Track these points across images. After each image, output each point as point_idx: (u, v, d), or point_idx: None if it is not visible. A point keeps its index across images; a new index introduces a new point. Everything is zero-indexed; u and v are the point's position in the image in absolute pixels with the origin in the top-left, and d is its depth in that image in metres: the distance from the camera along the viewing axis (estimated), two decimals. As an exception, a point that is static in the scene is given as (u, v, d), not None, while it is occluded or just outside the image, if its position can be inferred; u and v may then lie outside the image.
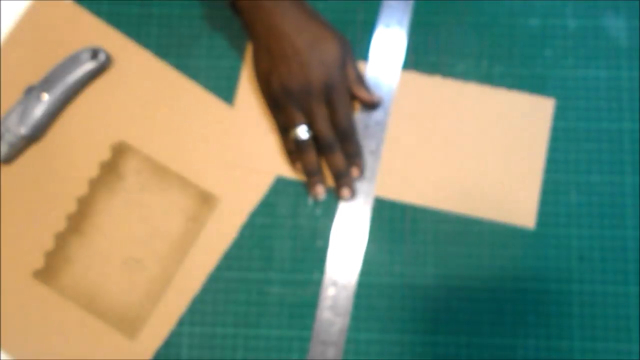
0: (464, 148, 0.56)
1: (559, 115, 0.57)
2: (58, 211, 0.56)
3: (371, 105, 0.56)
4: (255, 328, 0.55)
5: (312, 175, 0.55)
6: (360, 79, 0.55)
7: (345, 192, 0.55)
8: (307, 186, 0.56)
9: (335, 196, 0.56)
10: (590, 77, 0.57)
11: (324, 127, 0.54)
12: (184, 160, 0.57)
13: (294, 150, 0.55)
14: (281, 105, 0.54)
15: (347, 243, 0.55)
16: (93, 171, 0.57)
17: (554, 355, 0.53)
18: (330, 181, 0.56)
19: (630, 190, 0.55)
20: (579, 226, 0.55)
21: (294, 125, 0.54)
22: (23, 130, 0.55)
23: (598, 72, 0.57)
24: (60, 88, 0.56)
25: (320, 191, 0.55)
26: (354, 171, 0.55)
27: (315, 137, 0.54)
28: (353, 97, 0.55)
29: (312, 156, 0.55)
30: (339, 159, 0.55)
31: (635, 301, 0.54)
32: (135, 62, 0.59)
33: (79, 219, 0.56)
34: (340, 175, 0.55)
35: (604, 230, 0.55)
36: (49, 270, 0.56)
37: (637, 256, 0.54)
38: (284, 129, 0.55)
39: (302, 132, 0.54)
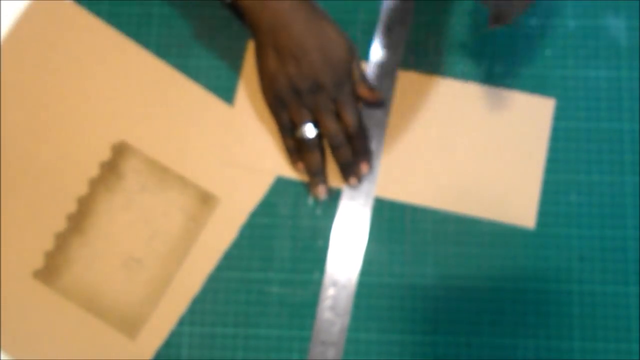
0: (464, 148, 0.56)
1: (559, 115, 0.57)
2: (58, 211, 0.56)
3: (374, 103, 0.56)
4: (255, 328, 0.55)
5: (314, 176, 0.55)
6: (364, 78, 0.56)
7: (352, 180, 0.55)
8: (309, 186, 0.56)
9: (336, 196, 0.56)
10: (590, 77, 0.57)
11: (333, 127, 0.54)
12: (184, 160, 0.57)
13: (294, 151, 0.55)
14: (287, 104, 0.54)
15: (347, 243, 0.55)
16: (93, 171, 0.57)
17: (554, 355, 0.53)
18: (331, 181, 0.56)
19: (630, 190, 0.55)
20: (579, 226, 0.55)
21: (301, 123, 0.54)
22: None
23: (598, 72, 0.57)
24: None
25: (322, 191, 0.55)
26: (363, 167, 0.55)
27: (323, 135, 0.55)
28: (357, 96, 0.56)
29: (316, 156, 0.55)
30: (346, 152, 0.55)
31: (635, 301, 0.54)
32: (135, 62, 0.59)
33: (79, 219, 0.56)
34: (347, 165, 0.55)
35: (604, 230, 0.55)
36: (49, 270, 0.56)
37: (637, 256, 0.54)
38: (287, 129, 0.55)
39: (310, 130, 0.54)
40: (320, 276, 0.55)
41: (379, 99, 0.56)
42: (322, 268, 0.55)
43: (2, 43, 0.59)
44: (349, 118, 0.54)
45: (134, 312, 0.55)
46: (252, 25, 0.55)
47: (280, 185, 0.57)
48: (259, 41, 0.55)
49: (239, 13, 0.57)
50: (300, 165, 0.56)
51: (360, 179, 0.55)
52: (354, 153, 0.55)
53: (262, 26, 0.53)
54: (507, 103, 0.57)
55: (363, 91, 0.55)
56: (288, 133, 0.55)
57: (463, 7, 0.58)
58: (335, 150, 0.55)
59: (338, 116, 0.54)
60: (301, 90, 0.53)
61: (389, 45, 0.58)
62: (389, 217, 0.56)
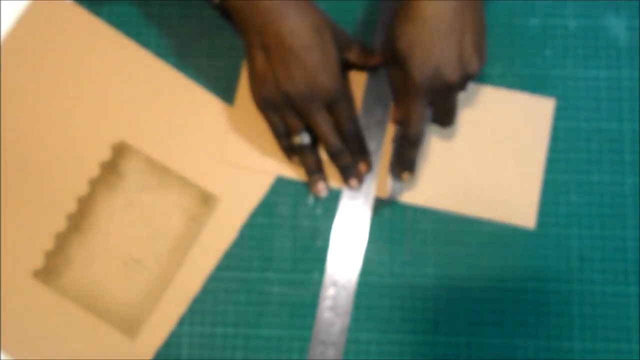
0: (464, 148, 0.56)
1: (559, 115, 0.57)
2: (58, 211, 0.56)
3: (373, 68, 0.55)
4: (255, 328, 0.55)
5: (313, 174, 0.55)
6: (356, 45, 0.55)
7: (353, 182, 0.55)
8: (309, 184, 0.56)
9: (335, 196, 0.56)
10: (590, 77, 0.57)
11: (331, 136, 0.53)
12: (184, 160, 0.57)
13: (289, 149, 0.55)
14: (279, 110, 0.53)
15: (347, 243, 0.55)
16: (93, 171, 0.57)
17: (554, 355, 0.53)
18: (331, 181, 0.56)
19: (630, 190, 0.55)
20: (579, 226, 0.55)
21: (295, 132, 0.53)
22: None
23: (598, 72, 0.57)
24: None
25: (322, 188, 0.55)
26: (362, 167, 0.55)
27: (320, 143, 0.54)
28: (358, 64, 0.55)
29: (312, 158, 0.55)
30: (345, 157, 0.54)
31: (635, 301, 0.54)
32: (135, 62, 0.59)
33: (79, 219, 0.56)
34: (346, 168, 0.55)
35: (604, 230, 0.55)
36: (49, 270, 0.56)
37: (637, 256, 0.54)
38: (279, 131, 0.54)
39: (304, 138, 0.53)
40: (320, 276, 0.55)
41: (375, 62, 0.55)
42: (322, 268, 0.55)
43: (2, 43, 0.59)
44: (344, 122, 0.53)
45: (134, 311, 0.55)
46: (239, 24, 0.52)
47: (280, 185, 0.57)
48: (247, 41, 0.52)
49: (226, 13, 0.56)
50: (297, 159, 0.55)
51: (361, 180, 0.55)
52: (352, 154, 0.55)
53: (250, 26, 0.51)
54: (507, 103, 0.57)
55: (359, 59, 0.54)
56: (280, 134, 0.54)
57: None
58: (333, 157, 0.54)
59: (332, 118, 0.53)
60: (293, 98, 0.51)
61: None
62: (389, 217, 0.56)
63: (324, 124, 0.53)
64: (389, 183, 0.55)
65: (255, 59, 0.52)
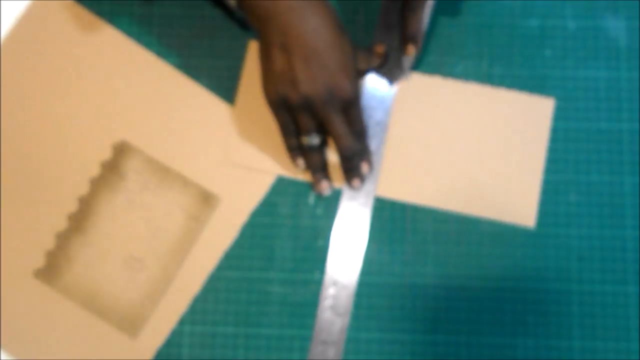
0: (464, 148, 0.56)
1: (559, 115, 0.57)
2: (59, 211, 0.56)
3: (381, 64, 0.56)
4: (256, 327, 0.55)
5: (317, 172, 0.55)
6: (362, 51, 0.55)
7: (356, 182, 0.55)
8: (312, 182, 0.56)
9: (336, 196, 0.56)
10: (590, 77, 0.57)
11: (347, 139, 0.53)
12: (185, 159, 0.57)
13: (295, 148, 0.55)
14: (293, 110, 0.52)
15: (348, 243, 0.55)
16: (94, 170, 0.57)
17: (553, 355, 0.54)
18: (332, 181, 0.56)
19: (629, 190, 0.56)
20: (578, 226, 0.55)
21: (307, 132, 0.53)
22: None
23: (598, 72, 0.57)
24: None
25: (325, 186, 0.55)
26: (364, 167, 0.55)
27: (334, 145, 0.54)
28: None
29: (318, 158, 0.55)
30: (356, 161, 0.54)
31: (634, 301, 0.54)
32: (136, 62, 0.59)
33: (80, 219, 0.56)
34: (351, 169, 0.55)
35: (603, 230, 0.55)
36: (50, 270, 0.56)
37: (636, 256, 0.55)
38: (290, 129, 0.54)
39: (314, 139, 0.53)
40: (320, 276, 0.55)
41: (376, 63, 0.55)
42: (322, 267, 0.55)
43: (2, 43, 0.59)
44: (354, 122, 0.53)
45: (135, 311, 0.55)
46: (258, 23, 0.52)
47: (280, 185, 0.57)
48: (266, 39, 0.51)
49: (238, 17, 0.55)
50: (301, 161, 0.55)
51: (363, 180, 0.55)
52: (357, 153, 0.55)
53: (271, 24, 0.50)
54: (507, 103, 0.57)
55: (363, 64, 0.55)
56: (290, 133, 0.54)
57: (463, 7, 0.59)
58: (346, 159, 0.54)
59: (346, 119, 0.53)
60: (311, 99, 0.51)
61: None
62: (390, 217, 0.56)
63: (340, 126, 0.52)
64: (402, 60, 0.56)
65: (274, 58, 0.51)
